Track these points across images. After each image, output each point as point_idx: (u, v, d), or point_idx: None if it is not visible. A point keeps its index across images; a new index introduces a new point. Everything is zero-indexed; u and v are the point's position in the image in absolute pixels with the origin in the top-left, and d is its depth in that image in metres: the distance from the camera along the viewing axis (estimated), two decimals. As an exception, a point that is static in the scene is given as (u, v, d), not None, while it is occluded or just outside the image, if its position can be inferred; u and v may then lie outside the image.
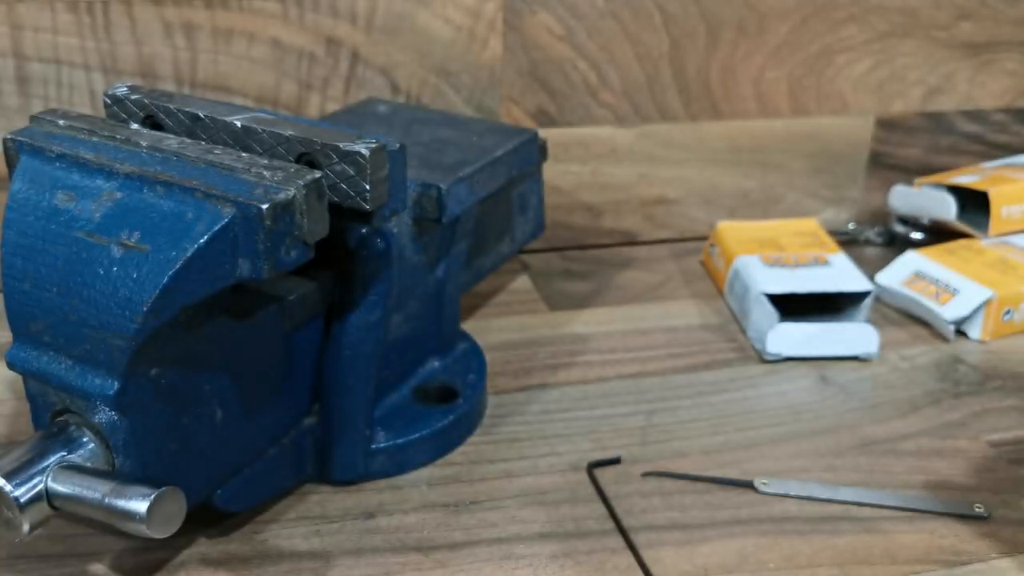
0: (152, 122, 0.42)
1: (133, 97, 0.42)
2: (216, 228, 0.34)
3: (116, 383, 0.34)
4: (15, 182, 0.37)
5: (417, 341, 0.49)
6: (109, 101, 0.43)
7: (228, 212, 0.34)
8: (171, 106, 0.41)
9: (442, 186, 0.46)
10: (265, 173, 0.36)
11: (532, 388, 0.54)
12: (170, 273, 0.33)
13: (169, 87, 0.61)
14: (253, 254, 0.34)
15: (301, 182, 0.35)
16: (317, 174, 0.36)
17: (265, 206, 0.34)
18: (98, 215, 0.35)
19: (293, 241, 0.35)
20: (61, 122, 0.39)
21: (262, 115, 0.40)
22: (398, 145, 0.40)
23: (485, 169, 0.51)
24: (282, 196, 0.34)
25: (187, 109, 0.41)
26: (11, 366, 0.36)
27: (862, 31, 0.71)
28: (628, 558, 0.41)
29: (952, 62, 0.74)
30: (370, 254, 0.42)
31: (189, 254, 0.33)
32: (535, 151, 0.57)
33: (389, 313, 0.44)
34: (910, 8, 0.71)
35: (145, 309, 0.33)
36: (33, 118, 0.40)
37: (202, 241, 0.33)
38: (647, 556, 0.41)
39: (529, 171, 0.58)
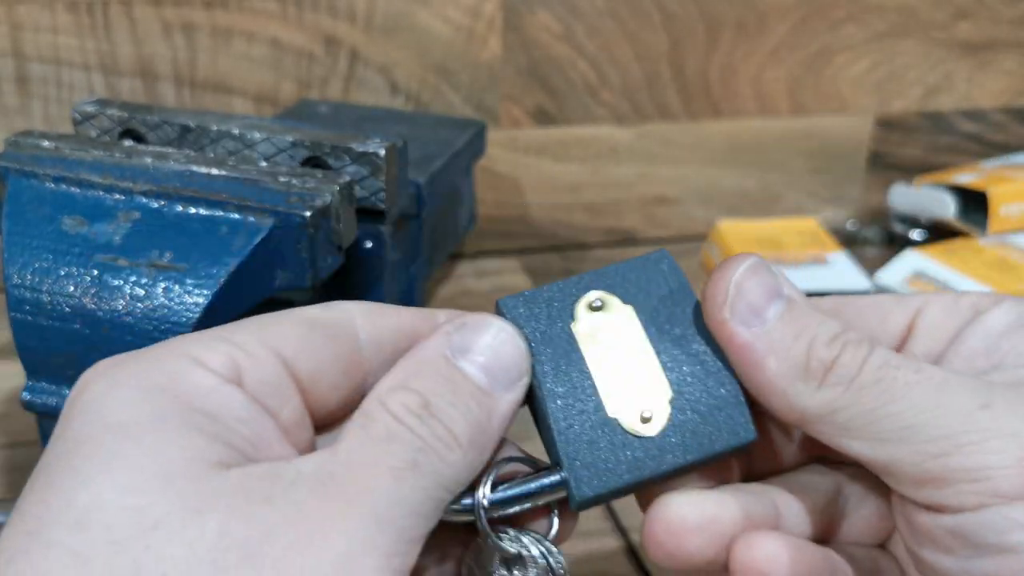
0: (132, 136, 0.40)
1: (109, 111, 0.40)
2: (257, 240, 0.33)
3: None
4: (8, 211, 0.34)
5: None
6: (80, 117, 0.40)
7: (267, 223, 0.33)
8: (154, 118, 0.40)
9: (420, 181, 0.46)
10: (294, 181, 0.35)
11: (532, 387, 0.53)
12: (214, 291, 0.32)
13: (168, 87, 0.61)
14: (293, 264, 0.34)
15: (336, 187, 0.34)
16: (346, 178, 0.35)
17: (308, 214, 0.33)
18: (118, 238, 0.33)
19: (330, 247, 0.35)
20: (45, 143, 0.37)
21: (252, 120, 0.40)
22: (402, 143, 0.40)
23: (450, 162, 0.51)
24: (320, 203, 0.34)
25: (176, 121, 0.39)
26: (29, 406, 0.33)
27: (861, 31, 0.71)
28: (627, 556, 0.41)
29: (951, 62, 0.74)
30: (367, 256, 0.41)
31: (232, 269, 0.32)
32: (483, 142, 0.57)
33: None
34: (909, 8, 0.71)
35: (189, 331, 0.31)
36: (8, 142, 0.37)
37: (244, 255, 0.32)
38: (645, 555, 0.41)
39: (476, 162, 0.58)
